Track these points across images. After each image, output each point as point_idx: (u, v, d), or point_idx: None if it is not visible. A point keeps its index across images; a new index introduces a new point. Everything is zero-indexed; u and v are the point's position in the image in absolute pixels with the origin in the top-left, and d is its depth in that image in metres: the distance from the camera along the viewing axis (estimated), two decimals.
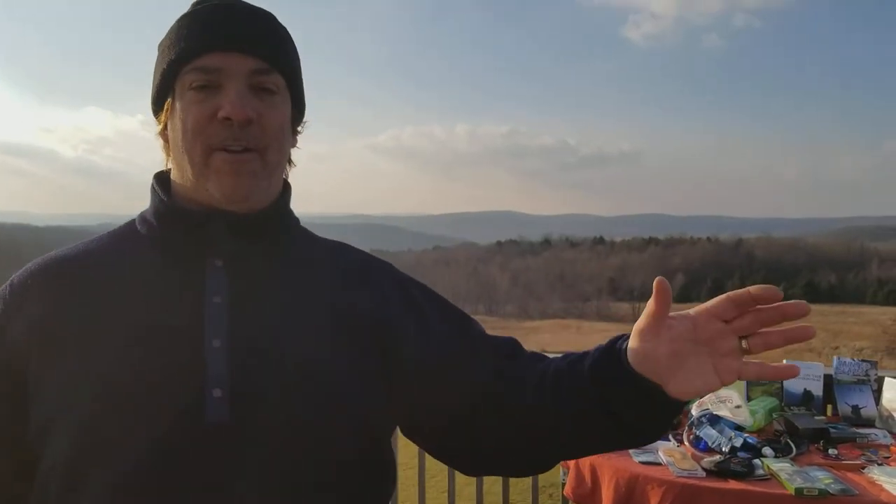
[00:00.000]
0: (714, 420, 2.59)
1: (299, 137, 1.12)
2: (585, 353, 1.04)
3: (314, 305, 1.05)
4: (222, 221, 1.01)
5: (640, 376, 0.94)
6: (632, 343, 0.96)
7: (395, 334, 1.07)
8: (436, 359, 1.09)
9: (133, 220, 1.09)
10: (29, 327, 0.98)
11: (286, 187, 1.11)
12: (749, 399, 2.98)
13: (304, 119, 1.12)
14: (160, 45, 1.05)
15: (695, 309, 0.93)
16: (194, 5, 1.05)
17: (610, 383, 0.97)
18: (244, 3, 1.04)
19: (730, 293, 0.91)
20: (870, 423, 2.91)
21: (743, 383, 3.05)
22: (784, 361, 2.61)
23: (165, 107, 1.03)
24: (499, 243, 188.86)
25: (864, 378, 3.06)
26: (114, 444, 0.91)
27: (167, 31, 1.05)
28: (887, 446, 2.68)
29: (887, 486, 2.22)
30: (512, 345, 1.15)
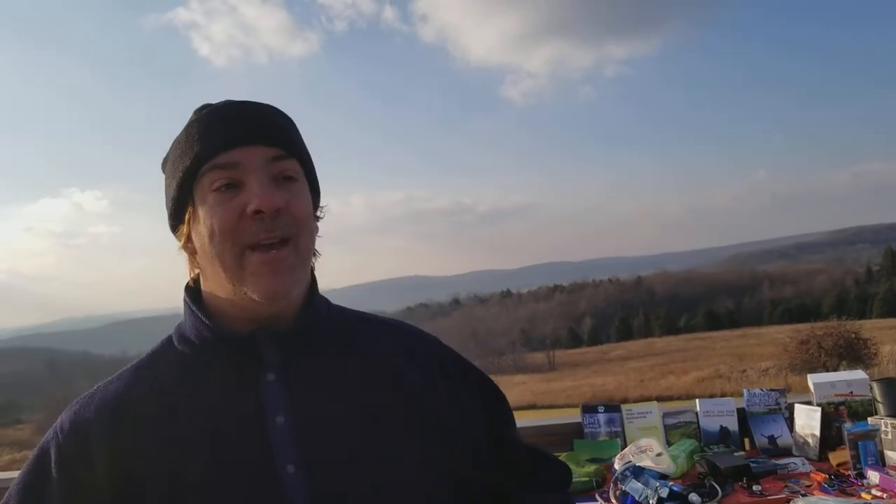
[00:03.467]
0: (638, 472, 2.54)
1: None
2: None
3: (375, 402, 1.04)
4: (267, 336, 1.00)
5: None
6: None
7: (449, 425, 1.09)
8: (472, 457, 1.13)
9: (170, 338, 1.07)
10: (97, 471, 0.96)
11: (313, 280, 1.11)
12: (669, 443, 2.96)
13: (322, 204, 1.12)
14: (166, 161, 1.06)
15: None
16: (197, 112, 1.05)
17: None
18: (245, 100, 1.04)
19: None
20: (787, 452, 2.93)
21: (661, 427, 3.03)
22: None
23: (186, 218, 1.02)
24: (409, 308, 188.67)
25: (776, 407, 3.09)
26: None
27: (170, 146, 1.06)
28: (807, 474, 2.69)
29: None
30: (530, 467, 1.20)
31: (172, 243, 1.07)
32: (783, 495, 2.45)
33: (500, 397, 1.23)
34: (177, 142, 1.04)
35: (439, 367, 1.14)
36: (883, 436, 2.72)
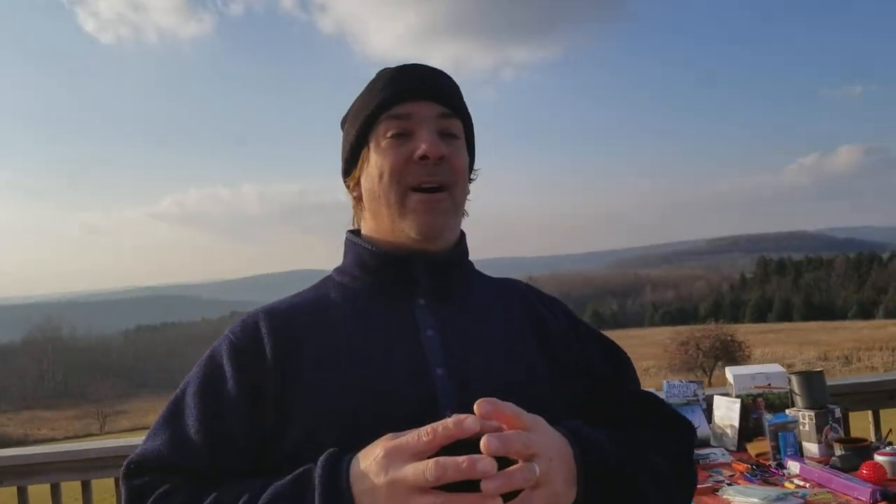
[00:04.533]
0: None
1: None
2: None
3: (507, 329, 1.16)
4: (422, 263, 1.13)
5: None
6: None
7: (574, 348, 1.19)
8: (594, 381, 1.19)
9: (329, 276, 1.21)
10: (268, 364, 1.04)
11: (462, 233, 1.22)
12: None
13: (476, 167, 1.24)
14: (347, 116, 1.21)
15: None
16: (378, 73, 1.19)
17: None
18: (422, 63, 1.19)
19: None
20: (706, 443, 2.96)
21: None
22: None
23: (360, 162, 1.16)
24: None
25: (694, 399, 3.13)
26: None
27: (352, 104, 1.21)
28: (728, 464, 2.71)
29: None
30: (651, 407, 1.21)
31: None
32: (708, 485, 2.46)
33: (626, 356, 1.27)
34: (357, 98, 1.19)
35: (564, 316, 1.25)
36: (801, 427, 2.78)
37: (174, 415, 1.05)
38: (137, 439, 3.15)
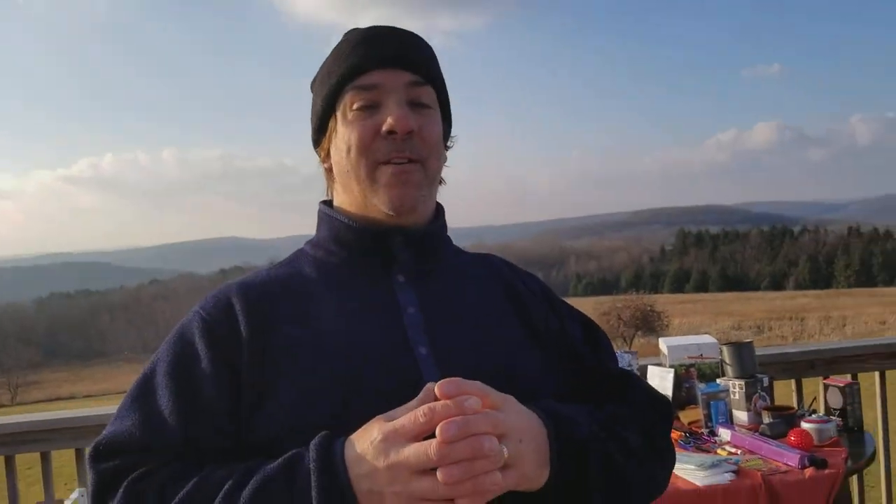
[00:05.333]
0: None
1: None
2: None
3: (488, 307, 1.12)
4: (400, 238, 1.07)
5: None
6: None
7: (555, 327, 1.15)
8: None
9: (301, 250, 1.15)
10: (243, 342, 0.99)
11: (438, 204, 1.17)
12: None
13: (452, 134, 1.18)
14: (314, 81, 1.14)
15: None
16: (345, 35, 1.12)
17: None
18: (391, 25, 1.12)
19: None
20: None
21: None
22: None
23: (328, 133, 1.10)
24: (222, 271, 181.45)
25: (628, 368, 3.17)
26: None
27: (319, 67, 1.13)
28: None
29: (681, 474, 2.26)
30: (624, 383, 1.17)
31: None
32: None
33: (603, 334, 1.24)
34: (324, 62, 1.12)
35: (541, 291, 1.21)
36: (732, 396, 2.86)
37: (144, 394, 0.99)
38: (65, 412, 3.02)
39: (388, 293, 1.06)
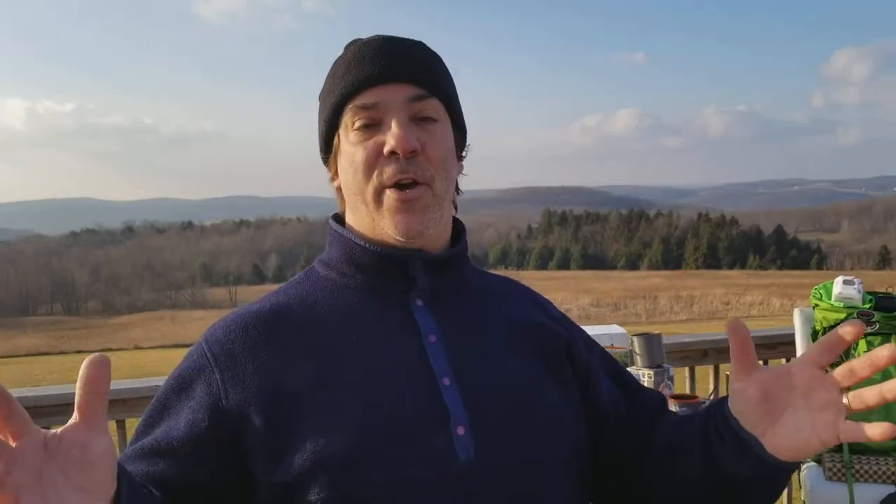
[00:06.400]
0: None
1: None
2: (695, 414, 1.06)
3: (510, 332, 1.07)
4: (418, 262, 1.03)
5: (736, 426, 0.92)
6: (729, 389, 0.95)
7: (576, 352, 1.11)
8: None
9: (313, 268, 1.10)
10: (249, 388, 0.95)
11: (457, 220, 1.13)
12: None
13: (468, 143, 1.13)
14: (320, 95, 1.09)
15: (792, 361, 0.90)
16: (346, 48, 1.07)
17: (710, 433, 0.97)
18: (392, 36, 1.06)
19: (821, 339, 0.84)
20: None
21: None
22: None
23: (334, 151, 1.07)
24: (73, 234, 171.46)
25: None
26: (376, 486, 0.90)
27: (324, 80, 1.08)
28: None
29: None
30: (658, 404, 1.15)
31: None
32: None
33: (617, 363, 1.21)
34: (327, 78, 1.07)
35: (562, 318, 1.17)
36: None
37: (154, 419, 0.97)
38: None
39: (407, 319, 1.02)
